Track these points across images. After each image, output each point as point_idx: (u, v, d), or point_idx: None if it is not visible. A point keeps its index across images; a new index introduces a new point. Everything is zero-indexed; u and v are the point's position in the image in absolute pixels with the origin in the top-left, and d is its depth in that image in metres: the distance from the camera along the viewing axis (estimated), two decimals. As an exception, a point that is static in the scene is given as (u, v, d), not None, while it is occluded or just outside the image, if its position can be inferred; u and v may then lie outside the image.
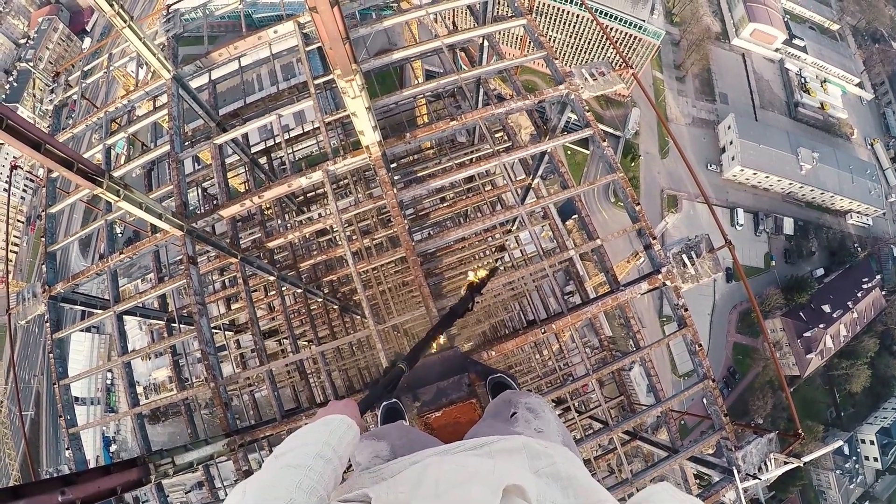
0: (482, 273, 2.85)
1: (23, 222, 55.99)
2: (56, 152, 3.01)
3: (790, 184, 65.05)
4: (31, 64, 58.76)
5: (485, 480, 1.09)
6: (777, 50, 73.09)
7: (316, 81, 5.38)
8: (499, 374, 3.01)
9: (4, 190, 54.27)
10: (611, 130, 62.60)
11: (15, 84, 58.11)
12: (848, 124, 73.96)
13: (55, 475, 3.98)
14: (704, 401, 4.79)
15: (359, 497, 1.22)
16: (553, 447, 1.43)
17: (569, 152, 59.56)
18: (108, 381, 47.80)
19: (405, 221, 4.35)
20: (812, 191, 65.96)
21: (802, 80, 73.11)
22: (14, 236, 54.65)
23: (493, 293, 10.13)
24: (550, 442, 1.76)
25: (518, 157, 5.19)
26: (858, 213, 69.53)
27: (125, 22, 4.75)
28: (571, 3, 57.49)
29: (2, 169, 54.96)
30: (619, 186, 4.66)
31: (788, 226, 66.97)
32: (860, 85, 76.57)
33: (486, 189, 9.66)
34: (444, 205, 10.61)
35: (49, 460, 46.60)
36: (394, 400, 3.00)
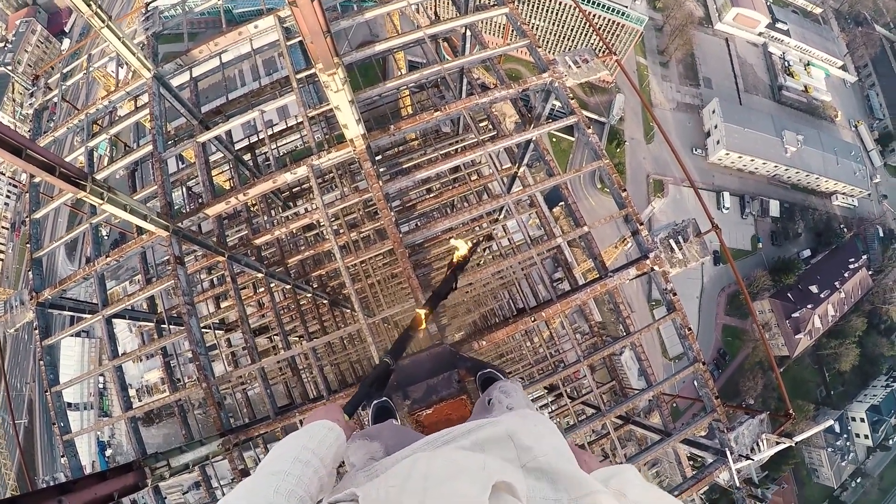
0: (463, 250, 2.78)
1: (7, 228, 55.23)
2: (37, 157, 2.97)
3: (775, 166, 65.62)
4: (10, 68, 57.71)
5: (474, 476, 1.09)
6: (760, 34, 73.44)
7: (298, 76, 5.34)
8: (488, 370, 3.01)
9: (-13, 196, 53.50)
10: (595, 117, 62.73)
11: (-7, 89, 57.10)
12: (832, 107, 74.63)
13: (52, 483, 3.96)
14: (696, 383, 4.85)
15: (347, 496, 1.23)
16: (536, 427, 1.44)
17: (554, 140, 59.65)
18: (101, 386, 47.46)
19: (392, 214, 4.35)
20: (797, 173, 66.59)
21: (786, 63, 73.59)
22: (-1, 243, 53.94)
23: (481, 282, 10.14)
24: (523, 411, 1.94)
25: (503, 145, 5.19)
26: (843, 194, 70.32)
27: (103, 22, 4.68)
28: (554, -10, 57.32)
29: (-17, 176, 54.10)
30: (605, 173, 4.67)
31: (774, 208, 67.61)
32: (843, 68, 77.24)
33: (472, 179, 9.64)
34: (431, 196, 10.58)
35: (45, 468, 46.27)
36: (384, 399, 3.00)
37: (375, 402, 2.95)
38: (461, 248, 2.78)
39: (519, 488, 1.10)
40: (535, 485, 1.19)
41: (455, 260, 2.76)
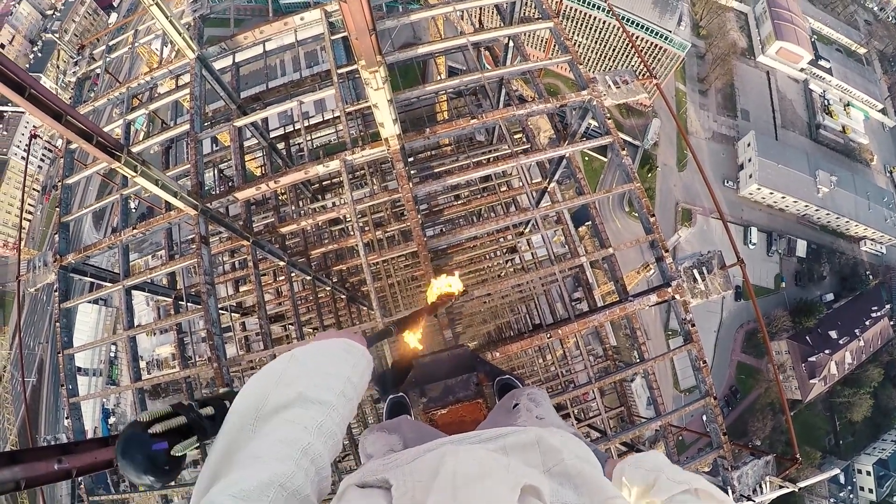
0: (456, 287, 2.69)
1: (38, 191, 56.64)
2: (76, 124, 3.02)
3: (806, 206, 64.43)
4: (57, 35, 59.30)
5: (503, 478, 1.05)
6: (802, 70, 72.32)
7: (339, 71, 5.37)
8: (507, 376, 2.99)
9: (22, 158, 54.95)
10: (630, 140, 62.32)
11: (39, 54, 58.74)
12: (868, 150, 73.08)
13: (53, 443, 4.01)
14: (704, 418, 4.75)
15: (379, 482, 1.18)
16: (563, 435, 1.40)
17: (586, 158, 59.35)
18: (112, 354, 48.34)
19: (419, 216, 4.34)
20: (828, 214, 65.29)
21: (826, 101, 72.30)
22: (29, 204, 55.29)
23: (501, 294, 10.09)
24: (555, 428, 1.75)
25: (536, 159, 5.16)
26: (873, 240, 68.73)
27: (153, -1, 4.77)
28: (599, 9, 57.23)
29: (21, 137, 55.59)
30: (635, 196, 4.62)
31: (801, 248, 66.35)
32: (883, 111, 75.62)
33: (502, 190, 9.61)
34: (459, 202, 10.58)
35: (48, 428, 47.19)
36: (400, 394, 2.99)
37: (391, 396, 2.94)
38: (454, 285, 2.69)
39: (545, 492, 1.06)
40: (559, 489, 1.17)
41: (442, 296, 2.68)
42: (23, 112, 53.26)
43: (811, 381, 58.74)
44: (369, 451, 2.05)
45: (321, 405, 1.21)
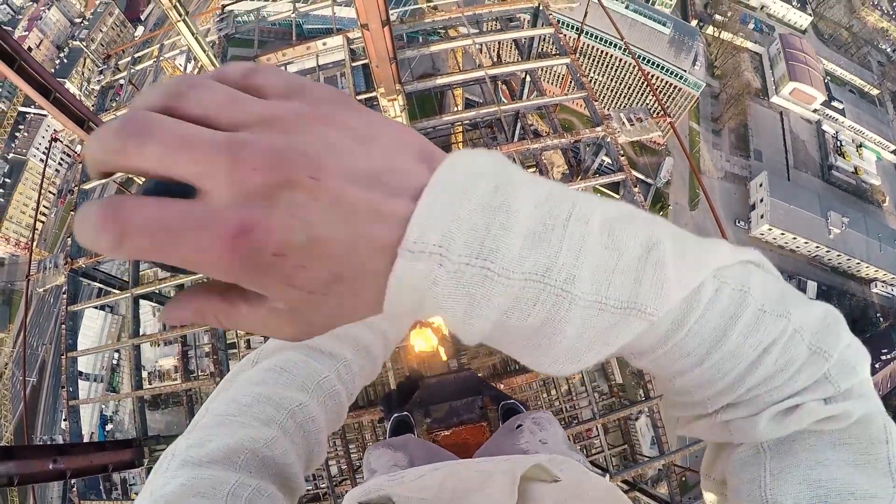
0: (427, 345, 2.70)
1: (54, 194, 57.45)
2: (98, 132, 3.09)
3: (817, 247, 63.97)
4: (84, 44, 60.84)
5: (500, 482, 0.95)
6: (815, 111, 72.56)
7: (358, 97, 5.48)
8: (512, 401, 2.98)
9: (41, 160, 55.89)
10: (642, 177, 62.43)
11: (65, 60, 60.16)
12: (881, 191, 72.78)
13: (49, 443, 4.01)
14: (708, 460, 4.67)
15: (382, 498, 1.16)
16: (566, 462, 1.35)
17: (598, 195, 59.43)
18: (115, 361, 48.33)
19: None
20: (839, 256, 64.75)
21: (838, 142, 72.33)
22: (44, 206, 56.04)
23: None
24: (559, 455, 1.60)
25: (547, 193, 5.18)
26: (884, 282, 67.93)
27: (181, 15, 4.92)
28: (616, 47, 57.99)
29: (41, 140, 56.65)
30: (645, 233, 4.62)
31: (811, 289, 65.65)
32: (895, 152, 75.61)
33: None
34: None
35: (44, 428, 46.98)
36: (405, 413, 2.98)
37: (396, 414, 2.93)
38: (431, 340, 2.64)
39: (550, 467, 0.99)
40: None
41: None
42: (45, 115, 54.41)
43: (817, 425, 57.62)
44: (373, 467, 2.03)
45: (332, 358, 0.98)
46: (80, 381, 5.78)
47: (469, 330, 0.45)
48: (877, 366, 61.38)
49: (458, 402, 3.19)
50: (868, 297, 68.30)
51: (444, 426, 3.11)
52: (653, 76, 58.08)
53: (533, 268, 0.41)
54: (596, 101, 5.08)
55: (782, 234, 62.70)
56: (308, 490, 10.08)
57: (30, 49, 57.05)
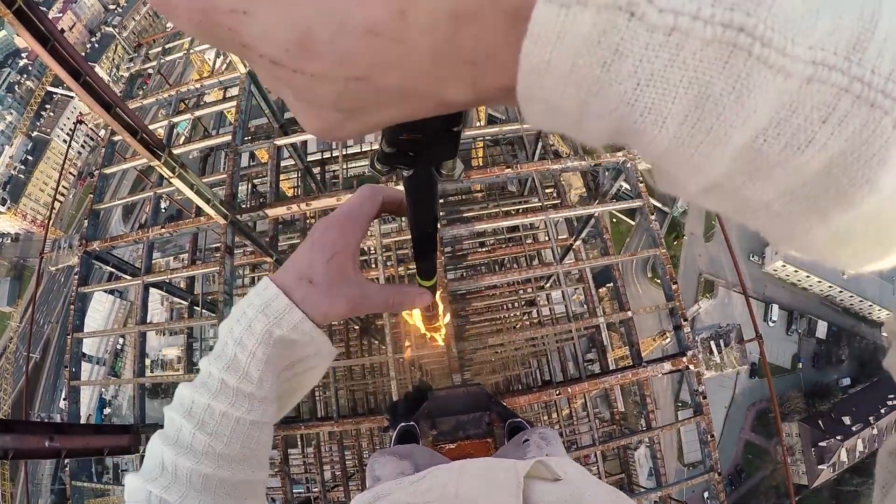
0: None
1: (74, 175, 58.25)
2: (124, 117, 3.12)
3: (830, 286, 63.20)
4: (116, 30, 61.92)
5: (506, 485, 0.96)
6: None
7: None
8: (518, 419, 2.96)
9: (64, 141, 56.77)
10: (660, 205, 62.00)
11: (97, 45, 61.19)
12: (898, 234, 72.00)
13: (47, 420, 4.01)
14: (706, 494, 4.60)
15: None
16: (571, 463, 1.33)
17: (614, 220, 59.23)
18: (119, 347, 48.66)
19: (442, 258, 4.36)
20: (851, 297, 63.92)
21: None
22: (63, 187, 56.83)
23: (514, 345, 9.98)
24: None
25: (565, 215, 5.19)
26: None
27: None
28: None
29: (66, 121, 57.56)
30: (660, 262, 4.60)
31: (822, 329, 64.76)
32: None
33: (528, 242, 9.59)
34: (483, 249, 10.53)
35: (42, 406, 47.29)
36: (411, 423, 2.96)
37: (402, 424, 2.92)
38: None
39: (552, 463, 0.99)
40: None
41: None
42: (71, 96, 55.31)
43: (819, 467, 56.49)
44: (378, 474, 2.01)
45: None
46: (83, 362, 5.81)
47: (695, 166, 0.27)
48: (882, 410, 60.21)
49: (465, 416, 3.18)
50: (878, 340, 67.20)
51: (450, 439, 3.10)
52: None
53: (828, 43, 0.23)
54: (619, 124, 5.05)
55: (796, 271, 62.10)
56: (300, 493, 10.05)
57: (62, 31, 58.10)
